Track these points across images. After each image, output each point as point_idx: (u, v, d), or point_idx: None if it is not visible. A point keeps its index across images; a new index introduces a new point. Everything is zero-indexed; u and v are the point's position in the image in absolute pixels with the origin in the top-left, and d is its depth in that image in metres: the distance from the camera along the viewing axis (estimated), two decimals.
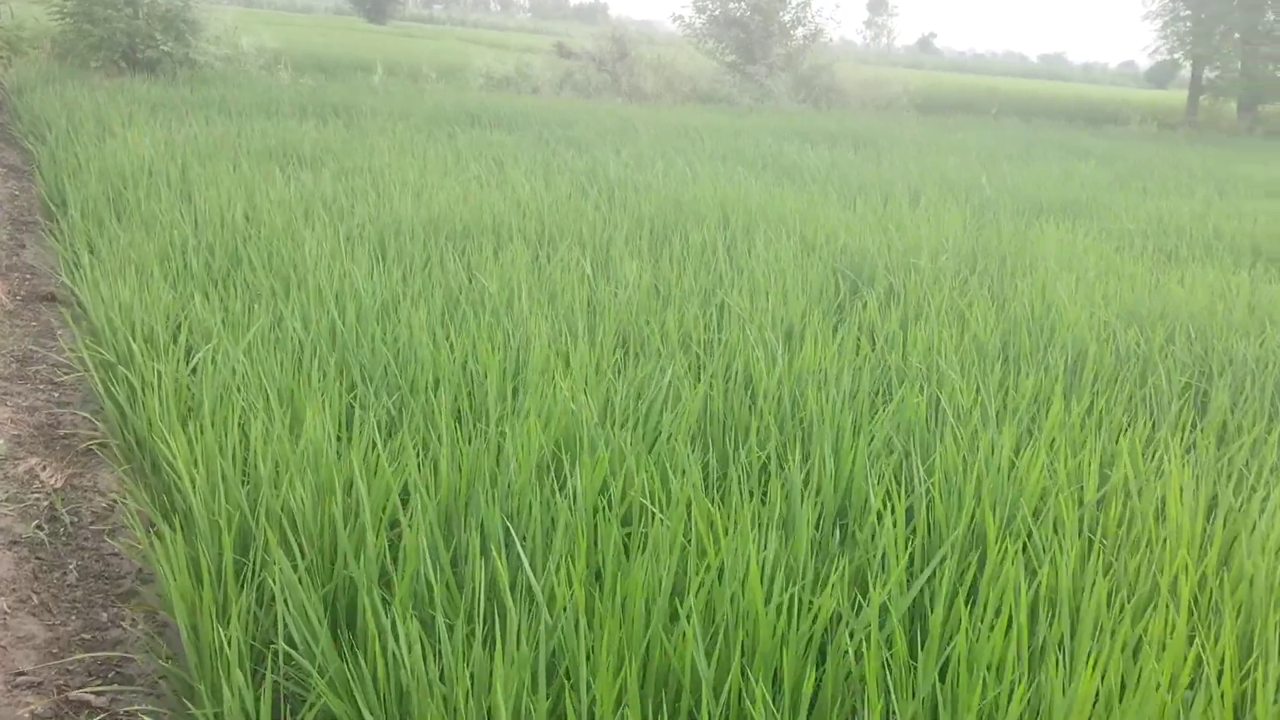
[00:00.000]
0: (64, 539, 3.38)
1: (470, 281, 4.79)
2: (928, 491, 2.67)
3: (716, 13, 21.22)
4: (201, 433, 2.97)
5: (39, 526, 3.38)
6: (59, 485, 3.75)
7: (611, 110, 14.32)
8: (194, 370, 3.63)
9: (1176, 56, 22.39)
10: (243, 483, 2.69)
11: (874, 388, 3.69)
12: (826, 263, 5.32)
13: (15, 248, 7.18)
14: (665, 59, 19.48)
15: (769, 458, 2.99)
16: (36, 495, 3.62)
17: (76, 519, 3.52)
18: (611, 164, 8.55)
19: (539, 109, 12.78)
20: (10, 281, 6.26)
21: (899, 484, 2.76)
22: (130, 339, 3.80)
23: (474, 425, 3.08)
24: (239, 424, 2.88)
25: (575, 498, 2.55)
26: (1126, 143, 16.00)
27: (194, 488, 2.58)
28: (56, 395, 4.62)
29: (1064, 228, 7.12)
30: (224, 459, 2.66)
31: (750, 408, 3.38)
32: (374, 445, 2.84)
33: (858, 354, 3.89)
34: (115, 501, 3.70)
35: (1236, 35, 20.62)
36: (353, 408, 3.25)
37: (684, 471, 2.68)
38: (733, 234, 6.07)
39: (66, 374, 4.86)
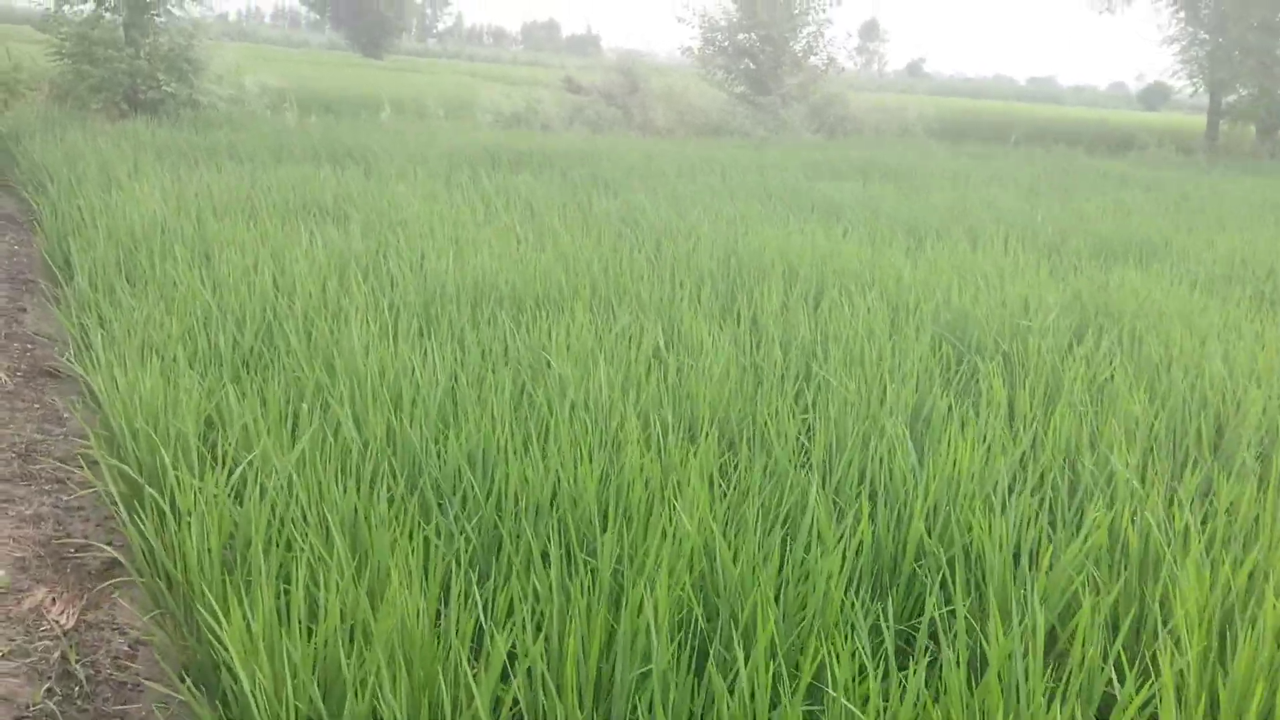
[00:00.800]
0: (79, 703, 2.80)
1: (511, 345, 4.24)
2: (1180, 676, 2.10)
3: (725, 44, 20.84)
4: (250, 585, 2.41)
5: (50, 690, 2.79)
6: (70, 625, 3.17)
7: (629, 146, 13.84)
8: (235, 491, 3.06)
9: (1195, 81, 22.07)
10: (313, 665, 2.12)
11: (1032, 484, 3.13)
12: (923, 326, 4.78)
13: (14, 313, 6.61)
14: (676, 91, 19.06)
15: (952, 599, 2.42)
16: (45, 641, 3.04)
17: (93, 671, 2.94)
18: (647, 207, 8.03)
19: (557, 147, 12.30)
20: (9, 354, 5.69)
21: (1134, 645, 2.19)
22: (157, 449, 3.23)
23: (583, 568, 2.51)
24: (302, 580, 2.31)
25: (744, 692, 1.98)
26: (1159, 170, 15.55)
27: (253, 683, 2.00)
28: (65, 499, 4.05)
29: (1150, 272, 6.60)
30: (289, 639, 2.09)
31: (897, 532, 2.82)
32: (470, 601, 2.28)
33: (1001, 450, 3.33)
34: (137, 645, 3.12)
35: (1254, 60, 20.28)
36: (431, 541, 2.68)
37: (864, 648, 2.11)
38: (805, 290, 5.53)
39: (75, 469, 4.30)
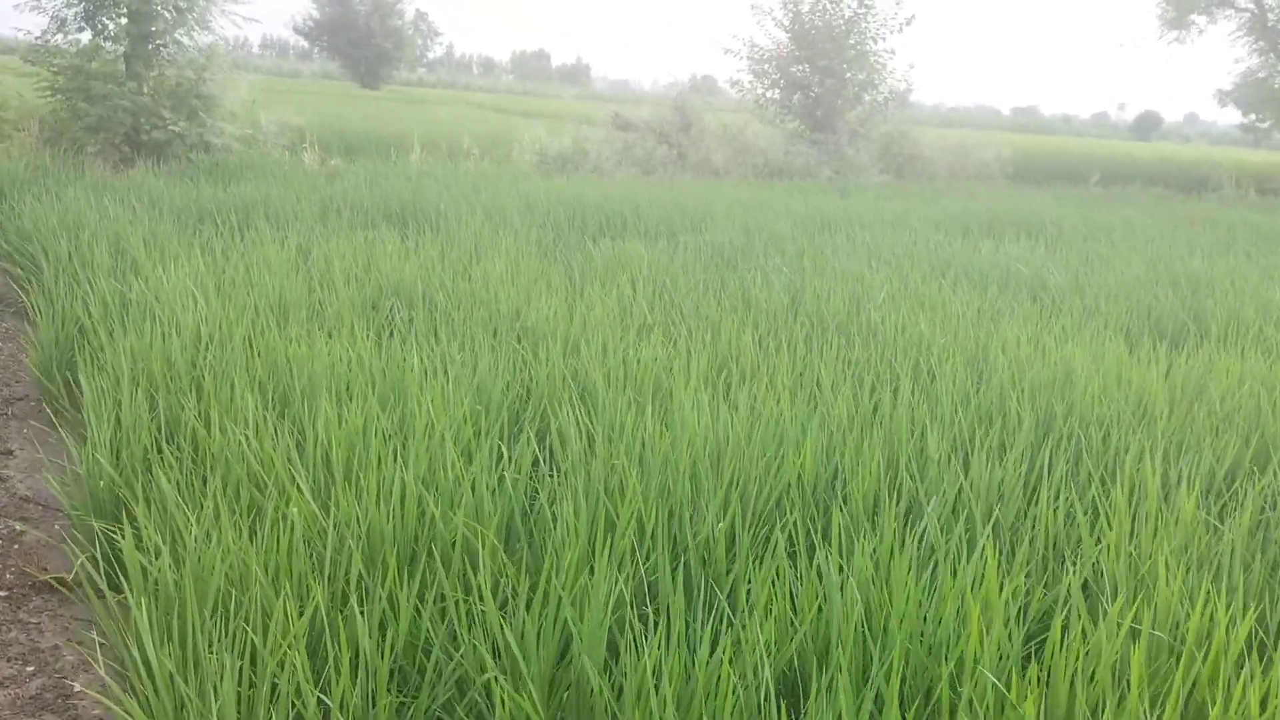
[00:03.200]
0: None
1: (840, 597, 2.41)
2: None
3: (778, 77, 19.17)
4: None
5: None
6: None
7: (714, 195, 12.08)
8: None
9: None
10: None
11: None
12: None
13: None
14: (733, 129, 17.35)
15: None
16: None
17: None
18: (815, 291, 6.24)
19: (644, 200, 10.50)
20: None
21: None
22: None
23: None
24: None
25: None
26: None
27: None
28: None
29: None
30: None
31: None
32: None
33: None
34: None
35: None
36: None
37: None
38: (1189, 454, 3.73)
39: None
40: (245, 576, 2.58)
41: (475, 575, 2.59)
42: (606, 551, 2.54)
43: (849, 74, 18.70)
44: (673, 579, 2.54)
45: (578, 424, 3.59)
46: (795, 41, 19.08)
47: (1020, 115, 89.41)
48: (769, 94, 19.03)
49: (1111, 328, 5.96)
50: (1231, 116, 20.86)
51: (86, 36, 12.94)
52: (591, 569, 2.56)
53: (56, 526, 4.12)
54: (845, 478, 3.37)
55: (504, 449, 3.44)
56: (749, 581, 2.60)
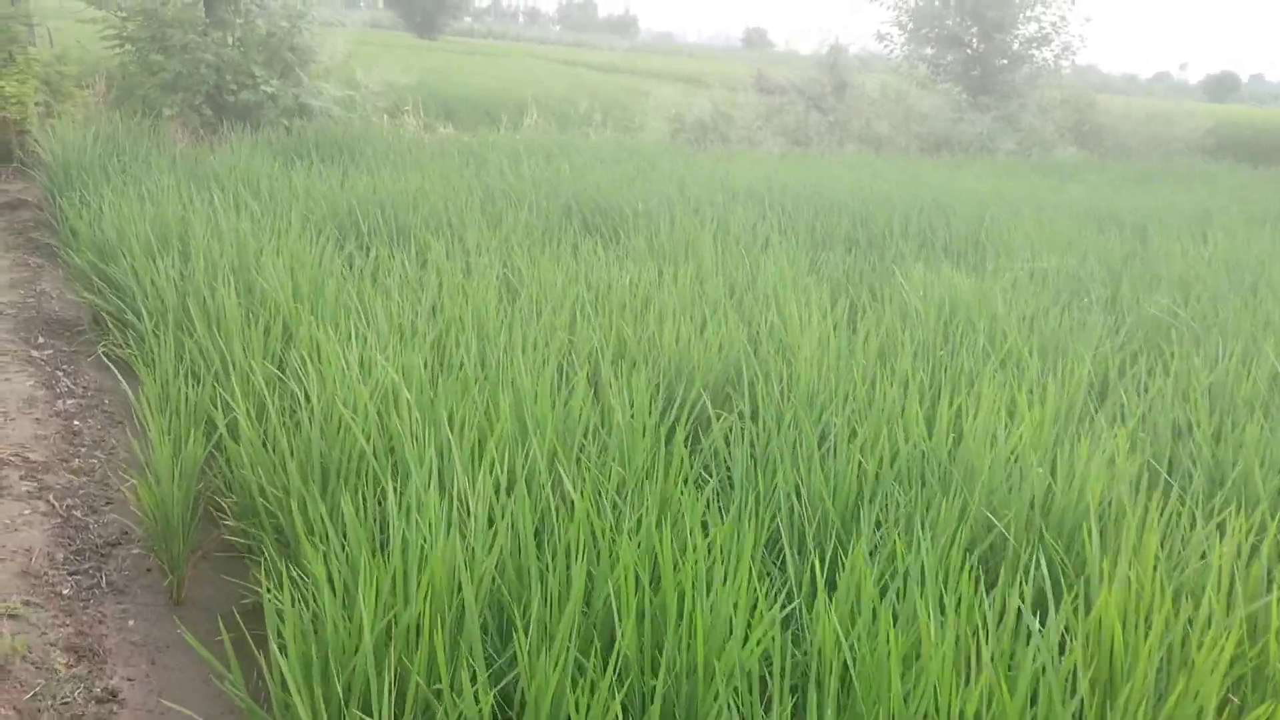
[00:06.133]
0: None
1: None
2: None
3: (930, 32, 16.61)
4: None
5: None
6: None
7: (917, 178, 9.78)
8: None
9: None
10: None
11: None
12: None
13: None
14: (892, 93, 14.92)
15: None
16: None
17: None
18: None
19: (874, 194, 8.24)
20: None
21: None
22: None
23: None
24: None
25: None
26: None
27: None
28: None
29: None
30: None
31: None
32: None
33: None
34: None
35: None
36: None
37: None
38: None
39: None
40: None
41: None
42: None
43: (1019, 28, 16.12)
44: None
45: None
46: None
47: (1085, 74, 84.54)
48: (924, 50, 16.50)
49: None
50: None
51: None
52: None
53: None
54: None
55: None
56: None
